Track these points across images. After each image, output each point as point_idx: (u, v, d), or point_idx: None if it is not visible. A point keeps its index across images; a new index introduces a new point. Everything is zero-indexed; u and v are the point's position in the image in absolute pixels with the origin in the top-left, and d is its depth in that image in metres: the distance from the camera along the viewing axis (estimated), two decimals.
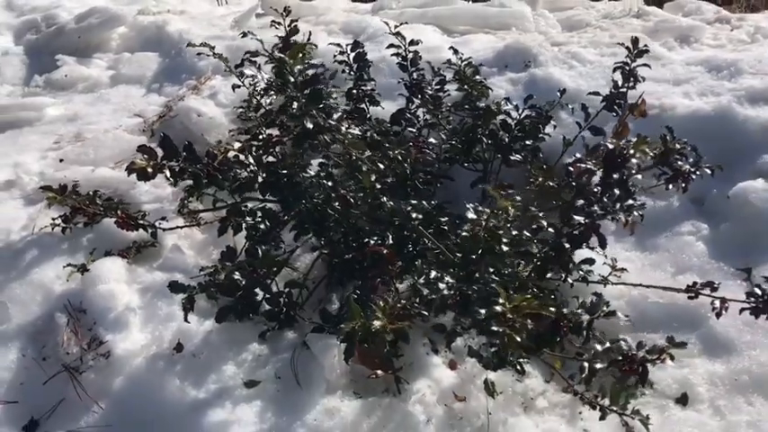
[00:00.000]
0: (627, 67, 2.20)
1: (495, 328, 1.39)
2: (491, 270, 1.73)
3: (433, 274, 1.72)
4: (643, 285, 2.04)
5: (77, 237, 2.43)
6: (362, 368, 1.99)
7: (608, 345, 1.51)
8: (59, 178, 2.63)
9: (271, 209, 2.19)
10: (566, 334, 1.55)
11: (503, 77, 3.17)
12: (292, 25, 2.95)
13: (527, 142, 2.33)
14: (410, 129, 2.31)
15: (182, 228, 2.43)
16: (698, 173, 1.81)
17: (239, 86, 2.13)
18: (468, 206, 1.64)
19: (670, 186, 1.90)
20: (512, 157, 2.28)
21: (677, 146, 1.87)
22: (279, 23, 2.91)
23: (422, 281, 1.70)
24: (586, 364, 1.51)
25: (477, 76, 2.62)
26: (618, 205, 1.62)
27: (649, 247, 2.45)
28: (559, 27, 4.30)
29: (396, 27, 2.48)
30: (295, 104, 1.74)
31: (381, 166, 1.91)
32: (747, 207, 2.43)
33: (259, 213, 2.16)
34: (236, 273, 1.93)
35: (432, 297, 1.58)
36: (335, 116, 1.86)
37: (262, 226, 2.08)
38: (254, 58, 1.80)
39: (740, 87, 2.84)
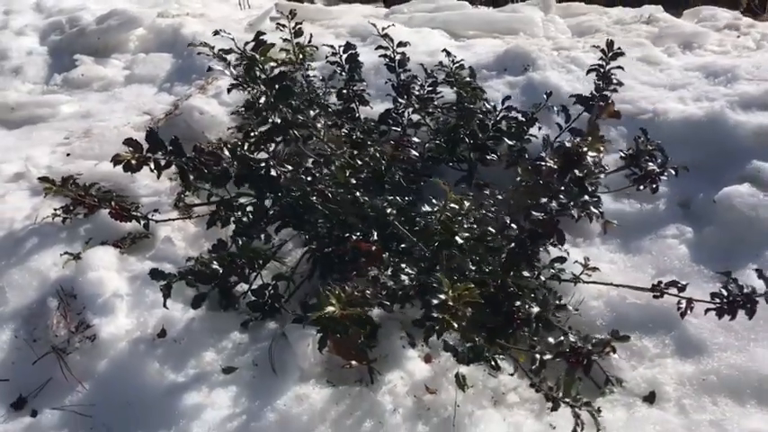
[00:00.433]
0: (602, 69, 2.23)
1: (435, 315, 1.45)
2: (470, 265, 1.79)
3: (403, 266, 1.77)
4: (614, 285, 2.07)
5: (76, 227, 2.54)
6: (339, 359, 2.07)
7: (561, 339, 1.54)
8: (64, 171, 2.74)
9: (260, 204, 2.27)
10: (519, 326, 1.59)
11: (500, 80, 3.22)
12: (297, 27, 3.04)
13: (511, 142, 2.36)
14: (394, 128, 2.37)
15: (174, 220, 2.52)
16: (665, 174, 1.82)
17: (237, 85, 2.20)
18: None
19: (641, 187, 1.92)
20: (488, 157, 2.32)
21: (649, 147, 1.89)
22: (284, 26, 3.01)
23: (388, 272, 1.75)
24: (538, 356, 1.55)
25: (468, 78, 2.65)
26: (573, 202, 1.65)
27: (633, 249, 2.47)
28: (569, 32, 4.32)
29: (383, 29, 2.54)
30: (263, 99, 1.81)
31: (359, 162, 1.96)
32: (732, 211, 2.44)
33: (249, 208, 2.25)
34: (215, 262, 2.00)
35: (394, 288, 1.64)
36: (312, 113, 1.93)
37: (245, 219, 2.15)
38: (225, 56, 1.87)
39: (734, 93, 2.84)
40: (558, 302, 1.68)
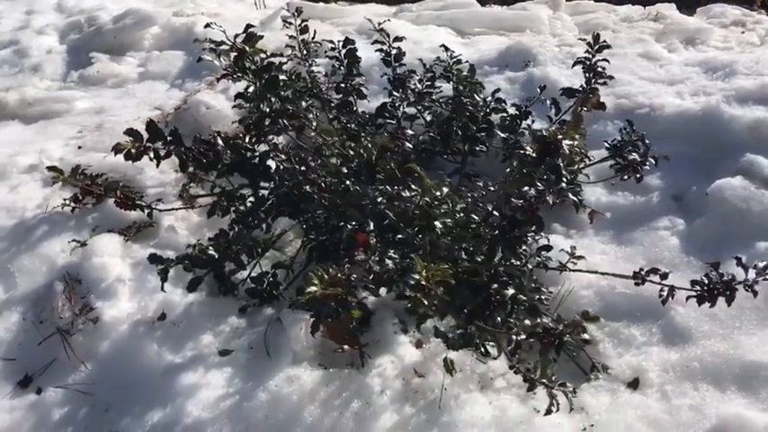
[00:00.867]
0: (588, 62, 2.27)
1: (408, 293, 1.51)
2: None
3: (390, 252, 1.83)
4: (599, 273, 2.11)
5: (84, 216, 2.63)
6: (332, 343, 2.14)
7: (538, 321, 1.59)
8: (75, 163, 2.83)
9: (260, 194, 2.34)
10: (495, 309, 1.65)
11: (501, 76, 3.27)
12: (302, 24, 3.12)
13: (503, 135, 2.41)
14: (390, 121, 2.43)
15: (177, 209, 2.60)
16: (646, 164, 1.86)
17: (227, 75, 2.26)
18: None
19: (625, 177, 1.96)
20: (476, 148, 2.38)
21: (633, 138, 1.94)
22: (290, 23, 3.09)
23: (375, 257, 1.81)
24: (514, 337, 1.60)
25: (465, 73, 2.70)
26: (550, 189, 1.70)
27: (625, 240, 2.50)
28: (576, 30, 4.34)
29: (379, 24, 2.60)
30: (251, 89, 1.88)
31: (351, 153, 2.02)
32: (723, 204, 2.46)
33: (251, 198, 2.32)
34: (211, 249, 2.08)
35: (378, 271, 1.70)
36: (305, 104, 1.99)
37: (242, 208, 2.23)
38: (215, 48, 1.94)
39: (731, 87, 2.86)
40: (533, 285, 1.72)
